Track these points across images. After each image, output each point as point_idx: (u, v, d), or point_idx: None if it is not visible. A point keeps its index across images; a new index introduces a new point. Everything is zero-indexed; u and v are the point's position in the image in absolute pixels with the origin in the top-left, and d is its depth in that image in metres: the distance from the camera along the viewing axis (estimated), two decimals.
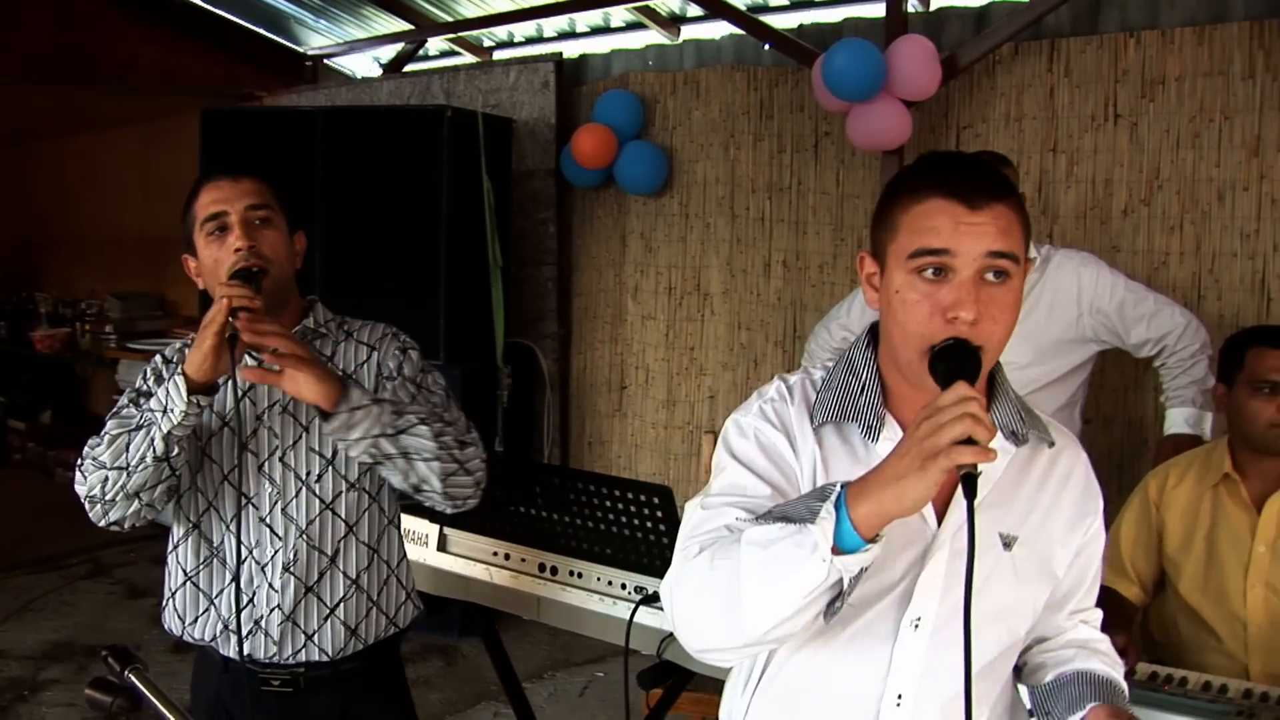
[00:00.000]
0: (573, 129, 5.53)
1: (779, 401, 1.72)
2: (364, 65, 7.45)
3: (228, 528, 2.27)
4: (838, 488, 1.45)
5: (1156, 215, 4.15)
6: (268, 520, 2.25)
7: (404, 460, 2.12)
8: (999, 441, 1.58)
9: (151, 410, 2.12)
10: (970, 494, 1.37)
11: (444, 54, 6.98)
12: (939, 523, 1.62)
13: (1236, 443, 2.96)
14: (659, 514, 2.45)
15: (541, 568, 2.69)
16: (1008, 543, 1.64)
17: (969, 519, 1.38)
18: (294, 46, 7.26)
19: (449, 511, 2.24)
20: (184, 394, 2.05)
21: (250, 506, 2.26)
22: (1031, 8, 4.20)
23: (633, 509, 2.47)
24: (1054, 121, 4.34)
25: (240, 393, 2.24)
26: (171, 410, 2.07)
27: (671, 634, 2.38)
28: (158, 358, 2.34)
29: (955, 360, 1.49)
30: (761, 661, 1.73)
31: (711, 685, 2.59)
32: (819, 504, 1.45)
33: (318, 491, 2.26)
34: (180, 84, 6.91)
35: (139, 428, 2.12)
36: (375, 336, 2.38)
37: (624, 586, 2.55)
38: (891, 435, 1.64)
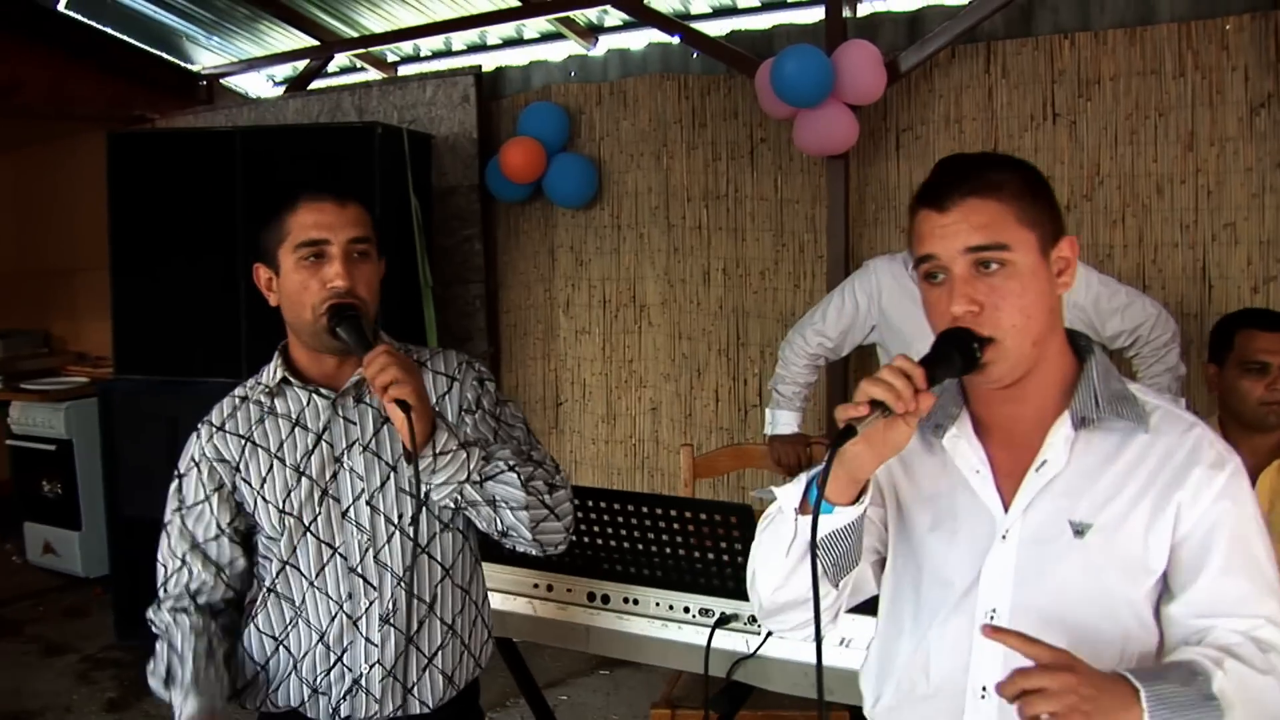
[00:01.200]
0: (493, 143, 5.46)
1: None
2: (258, 84, 7.23)
3: (311, 583, 2.13)
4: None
5: (1099, 210, 4.27)
6: (359, 570, 2.12)
7: (490, 508, 2.03)
8: (1067, 430, 1.66)
9: None
10: (835, 443, 1.50)
11: (345, 70, 6.82)
12: (1005, 509, 1.66)
13: (1227, 421, 3.11)
14: (735, 534, 2.38)
15: (591, 596, 2.60)
16: (1079, 530, 1.62)
17: (825, 468, 1.51)
18: (186, 65, 7.00)
19: (536, 555, 2.14)
20: None
21: (337, 557, 2.13)
22: (970, 13, 4.27)
23: (705, 530, 2.40)
24: (994, 122, 4.44)
25: (317, 436, 2.13)
26: None
27: (744, 657, 2.36)
28: (202, 436, 2.22)
29: (936, 348, 1.59)
30: (883, 665, 1.81)
31: (773, 701, 2.57)
32: (805, 475, 1.67)
33: (412, 535, 2.13)
34: (66, 107, 6.59)
35: None
36: (453, 366, 2.25)
37: (687, 610, 2.49)
38: (960, 430, 1.72)
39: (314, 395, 2.15)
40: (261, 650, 2.20)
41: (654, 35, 5.29)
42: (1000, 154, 1.70)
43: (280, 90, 6.94)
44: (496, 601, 2.72)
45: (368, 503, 2.13)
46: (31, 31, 6.39)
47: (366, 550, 2.12)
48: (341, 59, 6.70)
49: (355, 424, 2.14)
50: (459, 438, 2.00)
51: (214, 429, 2.20)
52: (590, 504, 2.52)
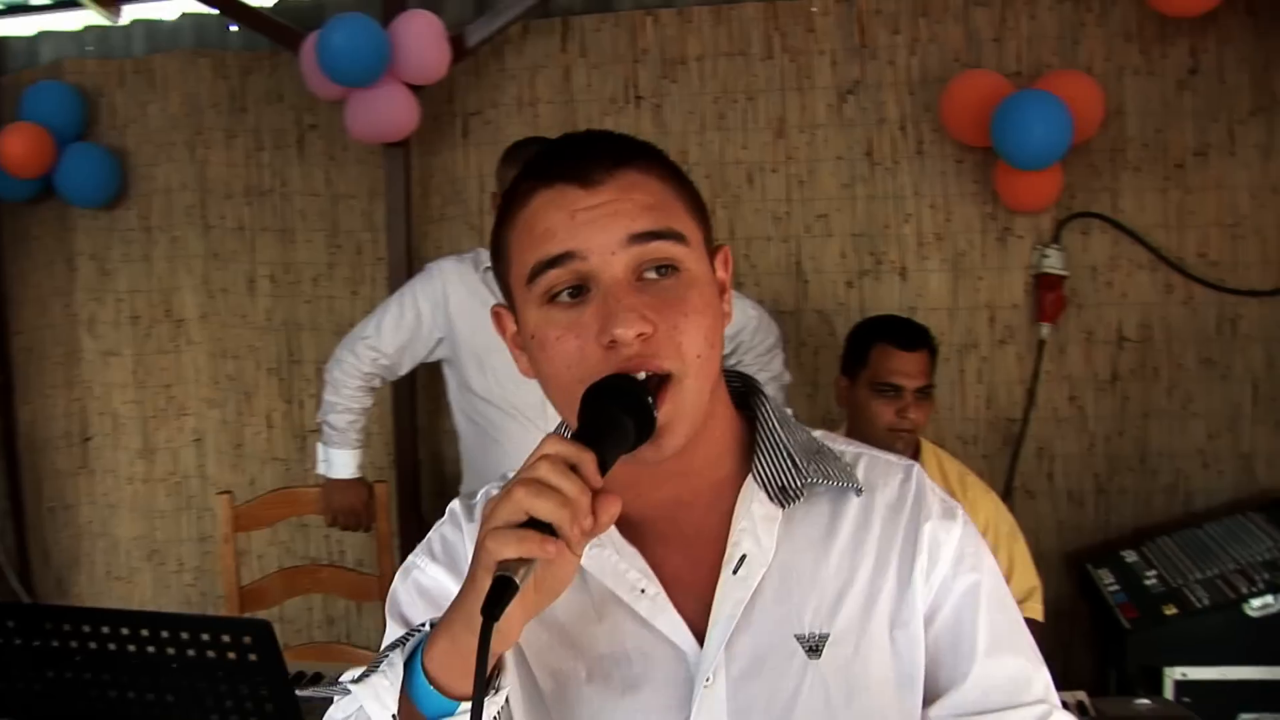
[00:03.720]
0: None
1: (449, 525, 1.21)
2: None
3: None
4: (426, 626, 1.02)
5: None
6: None
7: None
8: (762, 506, 1.13)
9: None
10: (489, 613, 0.89)
11: None
12: (699, 639, 1.10)
13: (857, 440, 2.78)
14: (252, 657, 1.62)
15: None
16: (813, 646, 1.11)
17: (479, 655, 0.89)
18: None
19: None
20: None
21: None
22: None
23: (208, 658, 1.62)
24: (572, 105, 3.99)
25: None
26: None
27: None
28: None
29: (594, 412, 1.00)
30: None
31: None
32: (394, 651, 1.02)
33: None
34: None
35: None
36: None
37: None
38: (598, 543, 1.11)
39: None
40: None
41: (188, 4, 4.51)
42: None
43: None
44: None
45: None
46: None
47: None
48: None
49: None
50: None
51: None
52: (46, 625, 1.72)
